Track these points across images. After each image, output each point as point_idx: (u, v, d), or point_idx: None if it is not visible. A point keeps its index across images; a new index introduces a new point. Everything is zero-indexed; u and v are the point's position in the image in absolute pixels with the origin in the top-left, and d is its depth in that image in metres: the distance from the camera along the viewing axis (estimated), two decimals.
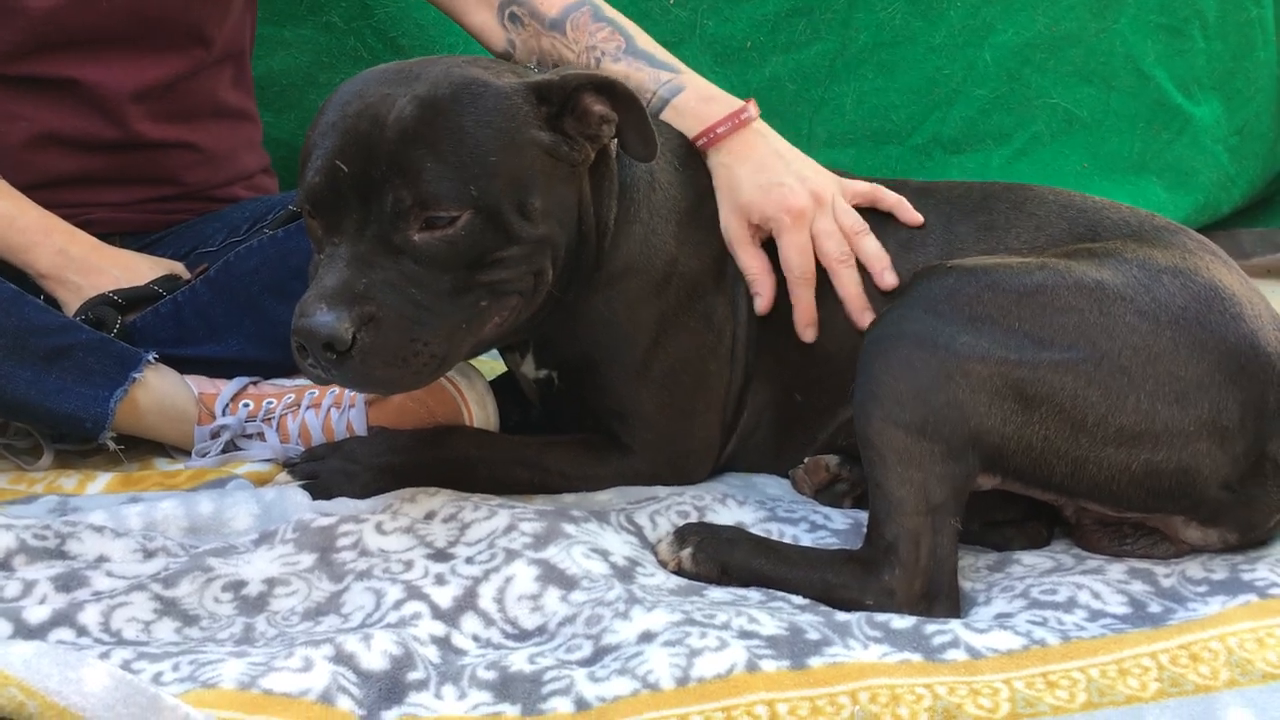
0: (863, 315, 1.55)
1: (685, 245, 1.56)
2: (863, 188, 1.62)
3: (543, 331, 1.53)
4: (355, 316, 1.25)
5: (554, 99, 1.38)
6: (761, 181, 1.57)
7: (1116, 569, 1.33)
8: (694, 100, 1.65)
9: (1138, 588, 1.29)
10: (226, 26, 1.91)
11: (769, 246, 1.59)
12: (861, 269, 1.56)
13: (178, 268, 1.82)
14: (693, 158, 1.63)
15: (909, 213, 1.59)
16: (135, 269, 1.77)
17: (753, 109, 1.63)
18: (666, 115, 1.65)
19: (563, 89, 1.38)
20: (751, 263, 1.58)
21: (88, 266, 1.73)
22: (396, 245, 1.29)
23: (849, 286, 1.55)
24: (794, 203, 1.56)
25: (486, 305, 1.35)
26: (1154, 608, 1.24)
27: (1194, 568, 1.32)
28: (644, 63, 1.70)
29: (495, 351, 1.70)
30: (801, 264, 1.56)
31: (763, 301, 1.57)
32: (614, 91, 1.40)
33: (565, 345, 1.55)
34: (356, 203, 1.30)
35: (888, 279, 1.55)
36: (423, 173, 1.28)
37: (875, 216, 1.60)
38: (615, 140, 1.48)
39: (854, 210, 1.59)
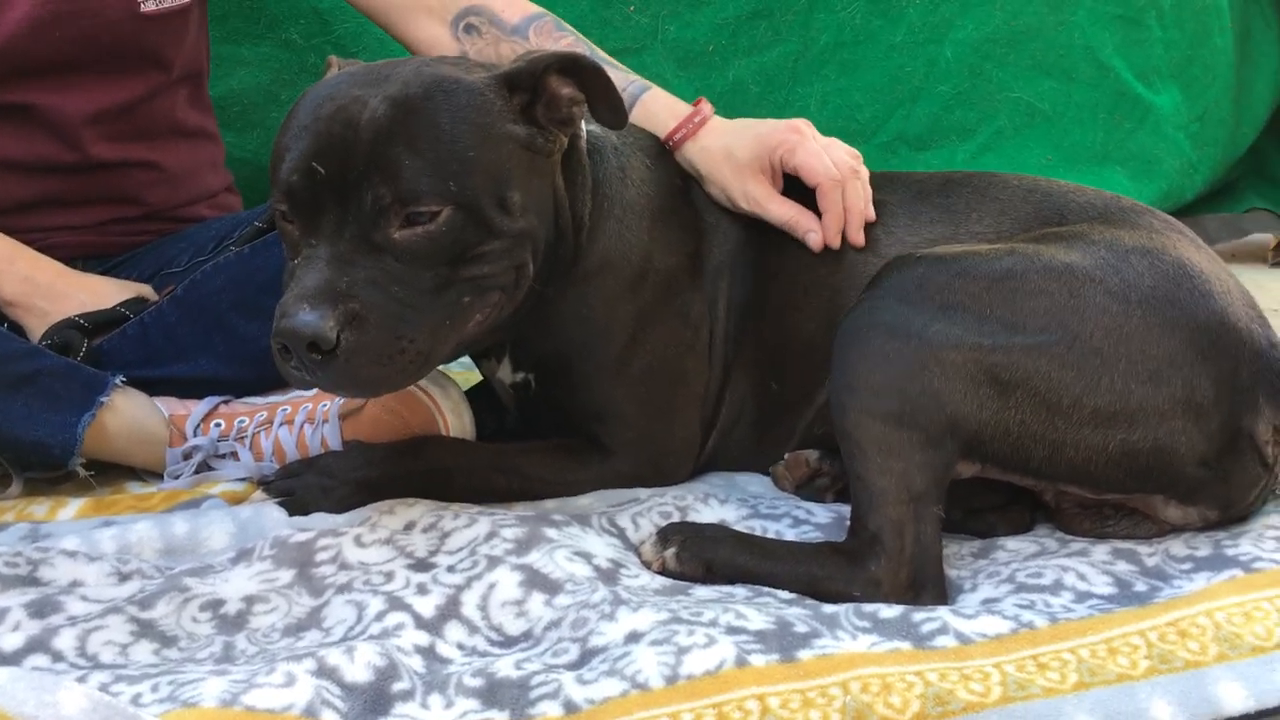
0: (858, 234, 1.56)
1: (659, 241, 1.56)
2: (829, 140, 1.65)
3: (519, 331, 1.52)
4: (339, 315, 1.23)
5: (524, 85, 1.38)
6: (748, 136, 1.59)
7: (1101, 550, 1.33)
8: (663, 98, 1.67)
9: (1123, 568, 1.29)
10: (184, 49, 1.89)
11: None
12: (855, 263, 1.56)
13: (145, 290, 1.80)
14: (663, 157, 1.63)
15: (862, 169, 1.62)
16: (101, 293, 1.75)
17: (708, 106, 1.66)
18: (637, 113, 1.65)
19: (531, 73, 1.37)
20: (785, 211, 1.58)
21: (53, 293, 1.71)
22: (377, 243, 1.28)
23: (856, 198, 1.57)
24: (791, 123, 1.60)
25: (469, 301, 1.34)
26: (1140, 587, 1.24)
27: (1178, 546, 1.33)
28: (609, 67, 1.70)
29: (469, 361, 1.69)
30: (827, 167, 1.56)
31: (816, 237, 1.57)
32: (578, 66, 1.39)
33: (541, 344, 1.54)
34: (334, 203, 1.28)
35: (870, 210, 1.58)
36: (401, 170, 1.27)
37: None
38: (585, 133, 1.48)
39: None
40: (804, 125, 1.61)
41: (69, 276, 1.74)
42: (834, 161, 1.57)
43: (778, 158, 1.58)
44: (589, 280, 1.51)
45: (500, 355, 1.59)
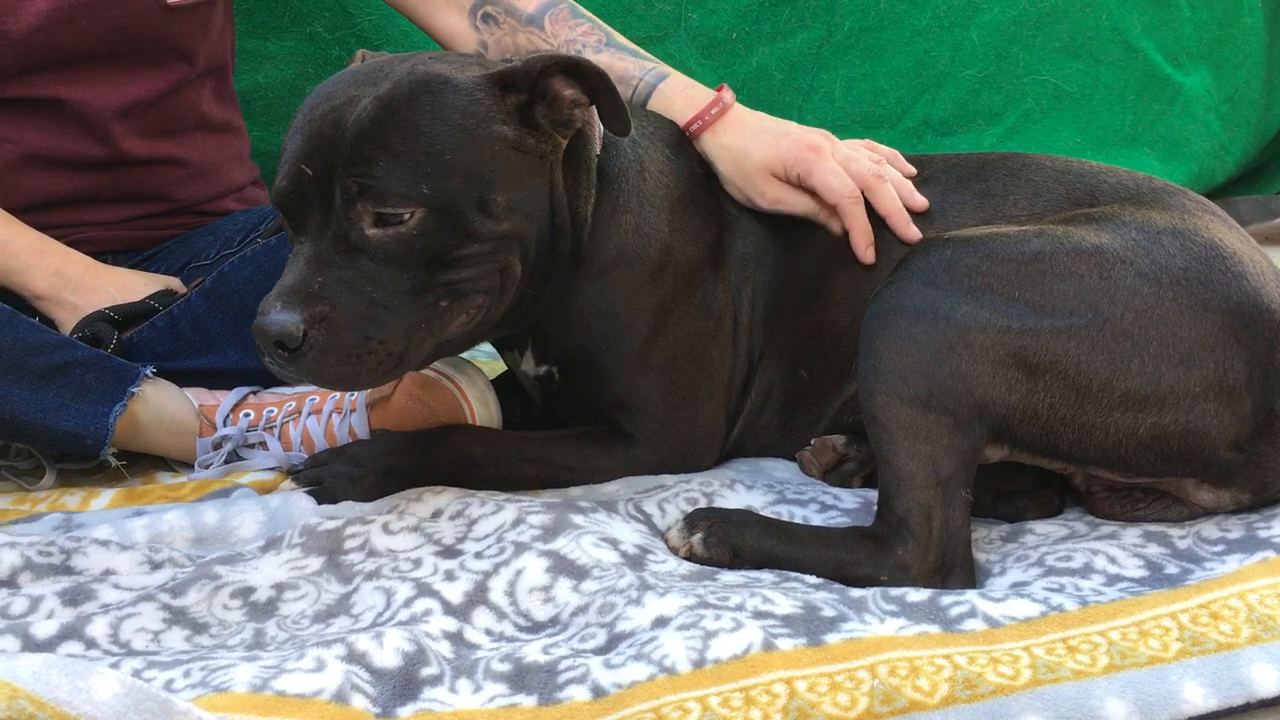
0: (907, 228, 1.54)
1: (680, 232, 1.55)
2: (856, 141, 1.63)
3: (540, 327, 1.52)
4: (308, 316, 1.26)
5: (520, 86, 1.37)
6: (768, 139, 1.58)
7: (1131, 533, 1.32)
8: (681, 85, 1.65)
9: (1154, 550, 1.28)
10: (209, 41, 1.91)
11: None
12: (887, 250, 1.55)
13: (173, 283, 1.81)
14: (683, 145, 1.62)
15: (901, 163, 1.60)
16: (131, 286, 1.76)
17: (729, 92, 1.64)
18: (654, 102, 1.64)
19: (528, 74, 1.36)
20: (805, 203, 1.58)
21: (84, 286, 1.72)
22: (353, 243, 1.29)
23: (889, 202, 1.55)
24: (810, 140, 1.58)
25: (447, 305, 1.34)
26: (1171, 569, 1.23)
27: (1209, 528, 1.32)
28: (626, 54, 1.70)
29: (495, 350, 1.69)
30: (843, 184, 1.55)
31: (837, 224, 1.57)
32: (580, 71, 1.37)
33: (562, 338, 1.54)
34: (318, 203, 1.30)
35: (917, 200, 1.56)
36: (373, 169, 1.28)
37: None
38: (599, 129, 1.48)
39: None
40: (823, 141, 1.59)
41: (98, 270, 1.76)
42: (855, 174, 1.55)
43: (794, 175, 1.57)
44: (607, 274, 1.51)
45: (522, 349, 1.59)
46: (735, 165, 1.59)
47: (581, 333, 1.52)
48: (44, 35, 1.74)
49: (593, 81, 1.38)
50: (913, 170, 1.61)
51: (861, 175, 1.55)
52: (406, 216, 1.29)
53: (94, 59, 1.79)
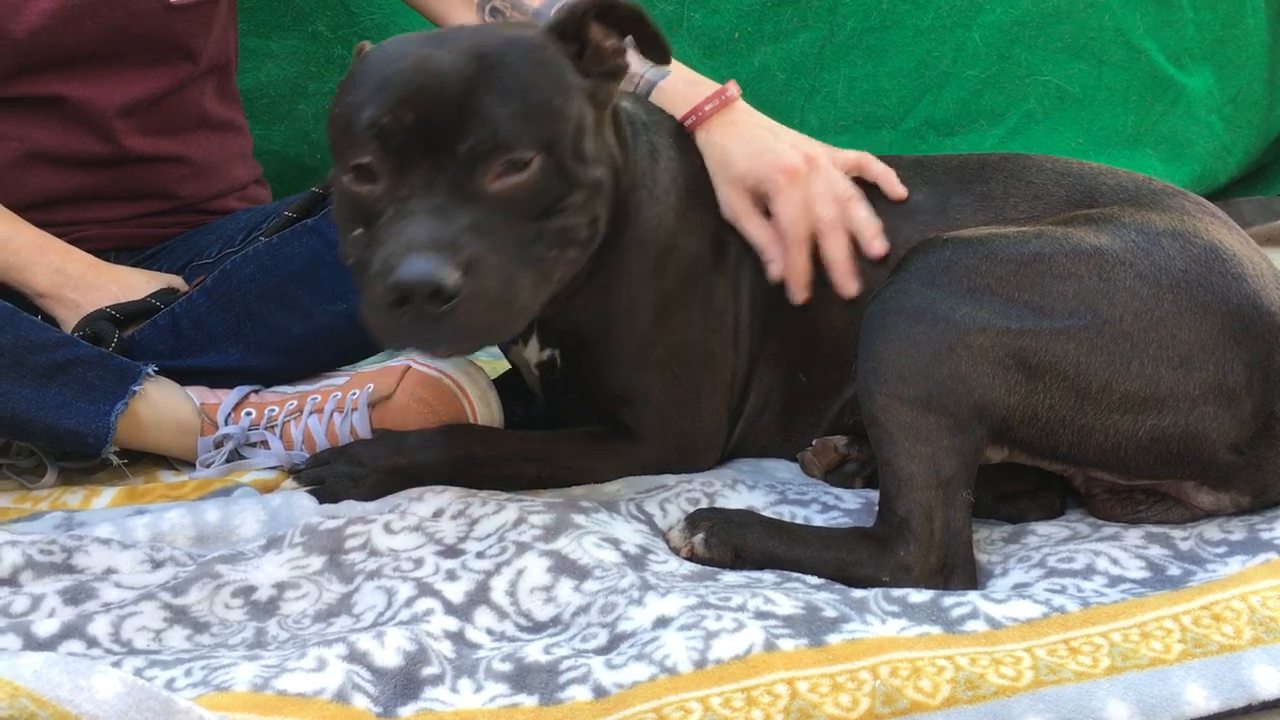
0: (847, 281, 1.54)
1: (685, 221, 1.55)
2: (851, 156, 1.61)
3: (554, 302, 1.49)
4: (458, 262, 1.20)
5: (570, 35, 1.37)
6: (753, 149, 1.57)
7: (1133, 535, 1.32)
8: (680, 83, 1.65)
9: (1156, 552, 1.28)
10: (211, 40, 1.91)
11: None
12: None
13: (175, 281, 1.81)
14: (688, 140, 1.62)
15: (894, 186, 1.58)
16: (132, 284, 1.76)
17: (734, 88, 1.63)
18: (654, 98, 1.64)
19: (573, 19, 1.37)
20: (759, 231, 1.56)
21: (85, 284, 1.72)
22: (470, 194, 1.26)
23: (836, 252, 1.54)
24: (787, 162, 1.55)
25: (555, 255, 1.33)
26: (1173, 570, 1.23)
27: (1211, 530, 1.31)
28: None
29: (497, 350, 1.69)
30: (796, 223, 1.54)
31: (776, 268, 1.55)
32: (615, 10, 1.38)
33: (567, 318, 1.52)
34: (422, 155, 1.26)
35: (876, 246, 1.54)
36: (495, 118, 1.26)
37: (874, 190, 1.60)
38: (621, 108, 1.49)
39: (845, 178, 1.58)
40: (803, 166, 1.56)
41: (100, 268, 1.76)
42: (815, 216, 1.54)
43: (763, 191, 1.57)
44: (621, 255, 1.50)
45: (528, 333, 1.58)
46: (717, 166, 1.59)
47: (586, 314, 1.51)
48: (47, 35, 1.74)
49: (628, 21, 1.39)
50: (901, 194, 1.58)
51: (819, 220, 1.54)
52: (528, 163, 1.28)
53: (96, 58, 1.79)
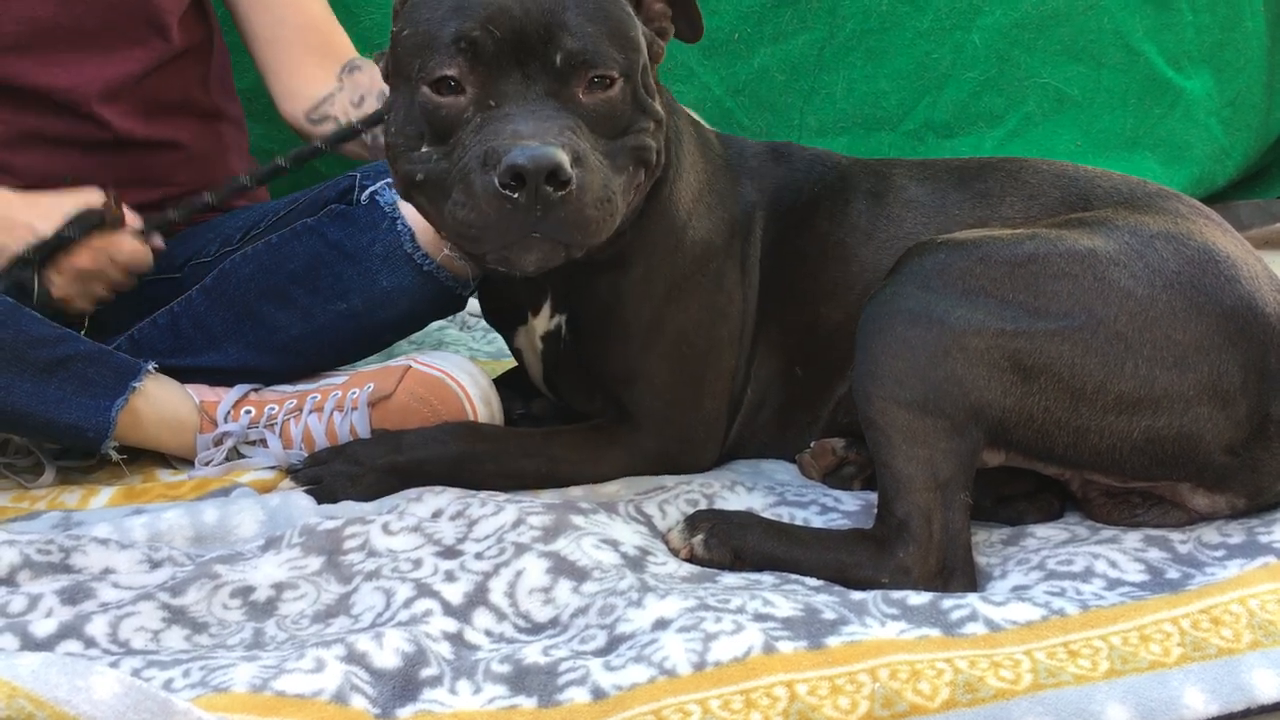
0: None
1: (702, 203, 1.56)
2: None
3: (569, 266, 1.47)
4: (570, 150, 1.23)
5: None
6: None
7: (1132, 537, 1.32)
8: None
9: (1154, 555, 1.28)
10: (182, 15, 1.89)
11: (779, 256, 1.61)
12: (884, 246, 1.55)
13: (93, 199, 1.70)
14: (702, 129, 1.63)
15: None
16: (50, 213, 1.66)
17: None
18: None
19: None
20: None
21: (5, 224, 1.64)
22: (563, 103, 1.30)
23: None
24: None
25: (632, 170, 1.38)
26: (1172, 574, 1.23)
27: (1210, 533, 1.32)
28: None
29: (498, 350, 1.69)
30: None
31: None
32: None
33: (583, 281, 1.51)
34: (514, 65, 1.30)
35: None
36: (586, 34, 1.30)
37: (872, 188, 1.60)
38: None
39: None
40: None
41: (11, 201, 1.67)
42: None
43: None
44: (645, 222, 1.50)
45: (541, 297, 1.57)
46: None
47: (601, 282, 1.51)
48: (10, 10, 1.72)
49: None
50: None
51: None
52: (613, 82, 1.32)
53: (68, 38, 1.77)
